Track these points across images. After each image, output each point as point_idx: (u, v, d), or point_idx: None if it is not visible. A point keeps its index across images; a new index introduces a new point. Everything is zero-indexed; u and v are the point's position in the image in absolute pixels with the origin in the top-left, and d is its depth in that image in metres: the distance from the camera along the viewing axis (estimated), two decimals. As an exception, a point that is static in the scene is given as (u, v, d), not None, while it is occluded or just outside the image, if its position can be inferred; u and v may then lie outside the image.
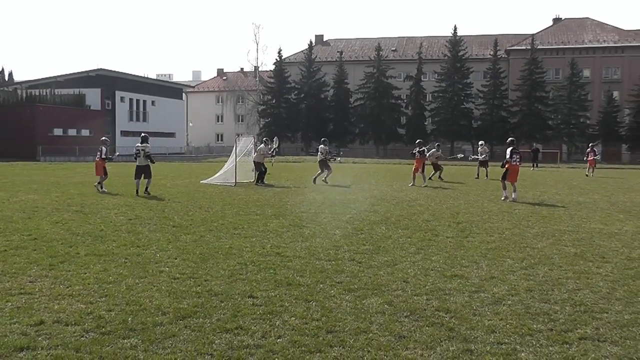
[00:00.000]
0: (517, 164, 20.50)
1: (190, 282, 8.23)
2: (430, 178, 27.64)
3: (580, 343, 6.13)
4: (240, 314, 6.81)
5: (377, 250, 10.71)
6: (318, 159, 27.67)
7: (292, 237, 12.13)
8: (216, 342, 5.93)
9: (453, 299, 7.56)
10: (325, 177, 26.96)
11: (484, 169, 31.74)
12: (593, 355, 5.82)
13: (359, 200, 19.64)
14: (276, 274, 8.77)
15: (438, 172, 30.29)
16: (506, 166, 20.40)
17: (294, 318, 6.69)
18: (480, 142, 34.06)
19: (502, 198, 20.21)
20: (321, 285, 8.13)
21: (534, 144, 67.39)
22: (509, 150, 20.46)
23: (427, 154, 28.57)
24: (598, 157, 45.49)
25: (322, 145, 27.67)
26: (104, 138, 23.73)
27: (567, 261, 10.15)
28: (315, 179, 26.99)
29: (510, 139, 21.44)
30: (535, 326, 6.60)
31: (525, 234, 13.02)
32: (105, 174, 22.50)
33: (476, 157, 32.91)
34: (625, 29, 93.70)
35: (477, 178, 31.53)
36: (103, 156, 22.58)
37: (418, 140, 28.52)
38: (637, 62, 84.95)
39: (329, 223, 14.15)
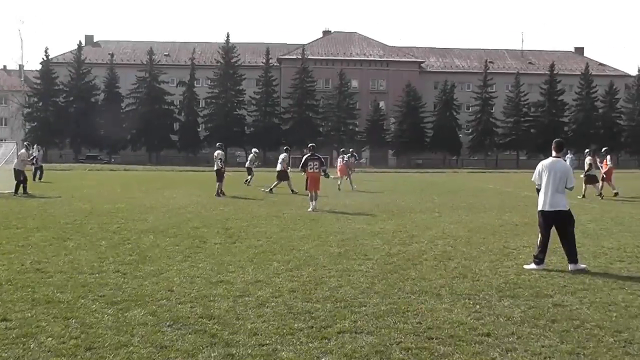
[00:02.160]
0: (316, 170, 19.82)
1: None
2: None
3: (339, 337, 6.45)
4: (-11, 341, 6.29)
5: (143, 260, 10.49)
6: (277, 169, 26.16)
7: (55, 250, 11.52)
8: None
9: (217, 305, 7.61)
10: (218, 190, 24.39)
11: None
12: (350, 346, 6.15)
13: (128, 209, 19.15)
14: (35, 292, 8.23)
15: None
16: (305, 174, 19.83)
17: (50, 338, 6.31)
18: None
19: (309, 209, 19.03)
20: (82, 301, 7.79)
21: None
22: (305, 157, 20.06)
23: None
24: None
25: (284, 154, 26.35)
26: None
27: (332, 261, 10.62)
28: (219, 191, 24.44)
29: (310, 145, 21.22)
30: (296, 325, 6.82)
31: (293, 237, 13.44)
32: None
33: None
34: (390, 45, 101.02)
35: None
36: None
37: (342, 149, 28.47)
38: (400, 75, 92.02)
39: (95, 234, 13.65)
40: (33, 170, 31.48)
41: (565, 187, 10.26)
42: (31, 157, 27.81)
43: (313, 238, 13.34)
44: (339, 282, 8.99)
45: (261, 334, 6.52)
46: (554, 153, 10.58)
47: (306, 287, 8.61)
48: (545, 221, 10.38)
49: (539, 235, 10.53)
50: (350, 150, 37.17)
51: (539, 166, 10.63)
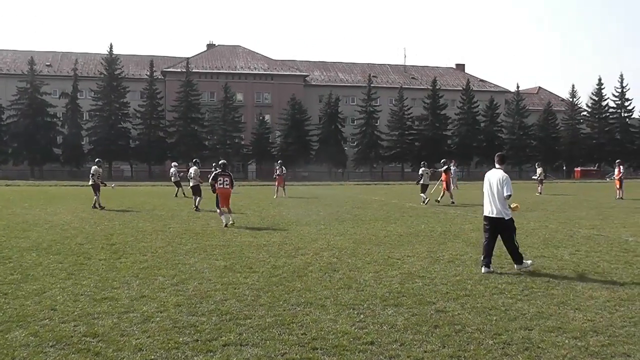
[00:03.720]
0: (226, 187, 19.36)
1: None
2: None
3: (224, 349, 6.55)
4: None
5: (25, 279, 10.16)
6: (191, 185, 26.68)
7: None
8: None
9: (101, 323, 7.52)
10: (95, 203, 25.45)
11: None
12: (235, 358, 6.28)
13: (9, 226, 18.41)
14: None
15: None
16: (216, 191, 19.32)
17: None
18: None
19: (224, 225, 18.56)
20: (-41, 324, 7.51)
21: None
22: (214, 173, 19.64)
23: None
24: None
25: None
26: None
27: (217, 274, 10.66)
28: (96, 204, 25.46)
29: (221, 161, 20.74)
30: (181, 339, 6.87)
31: (178, 251, 13.38)
32: None
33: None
34: (274, 59, 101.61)
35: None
36: None
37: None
38: (285, 88, 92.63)
39: (-27, 253, 13.09)
40: None
41: (504, 196, 11.04)
42: None
43: (199, 252, 13.33)
44: (225, 295, 9.05)
45: (146, 350, 6.52)
46: (496, 165, 11.62)
47: (191, 301, 8.63)
48: (486, 226, 11.32)
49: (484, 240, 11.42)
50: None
51: (485, 176, 11.64)
